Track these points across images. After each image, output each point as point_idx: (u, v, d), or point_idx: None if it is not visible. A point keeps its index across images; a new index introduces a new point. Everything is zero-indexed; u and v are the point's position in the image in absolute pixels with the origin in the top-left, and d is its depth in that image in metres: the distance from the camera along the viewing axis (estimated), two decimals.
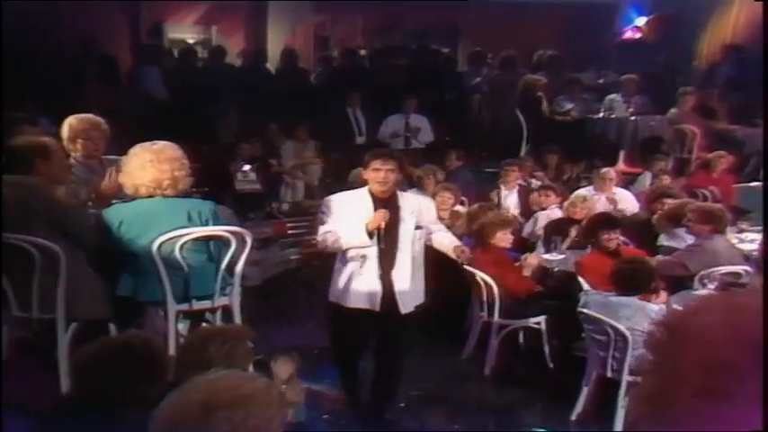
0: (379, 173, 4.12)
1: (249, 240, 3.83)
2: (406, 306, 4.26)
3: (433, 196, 6.72)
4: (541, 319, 5.35)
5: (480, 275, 5.25)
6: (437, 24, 13.45)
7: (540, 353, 5.44)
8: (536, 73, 10.55)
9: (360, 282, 4.21)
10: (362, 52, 11.94)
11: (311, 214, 8.36)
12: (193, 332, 3.65)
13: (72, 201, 3.73)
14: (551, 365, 5.39)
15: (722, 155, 8.57)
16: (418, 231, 4.29)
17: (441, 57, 11.56)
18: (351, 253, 4.20)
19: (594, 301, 4.59)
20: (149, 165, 3.57)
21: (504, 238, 5.47)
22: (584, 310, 4.47)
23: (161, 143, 3.70)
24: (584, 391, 4.63)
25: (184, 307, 3.72)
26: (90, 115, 4.42)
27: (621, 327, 4.25)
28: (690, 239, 5.68)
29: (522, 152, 9.30)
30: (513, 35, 12.52)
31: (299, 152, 8.74)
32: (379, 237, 4.14)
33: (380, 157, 4.18)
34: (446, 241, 4.39)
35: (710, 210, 5.50)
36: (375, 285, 4.19)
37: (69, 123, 4.30)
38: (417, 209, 4.32)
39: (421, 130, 9.15)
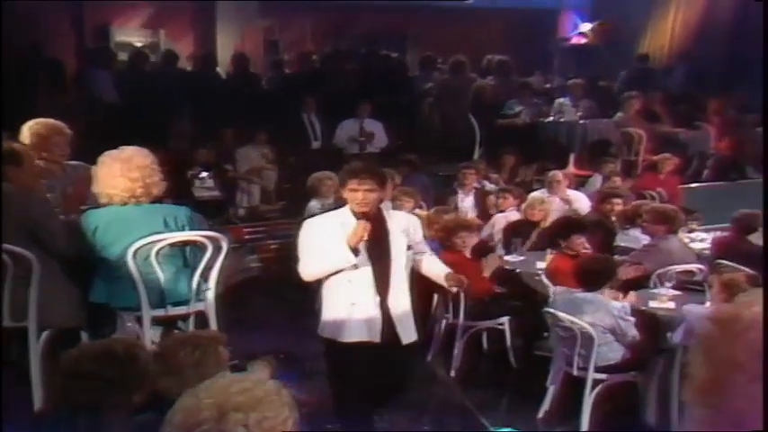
0: (356, 194, 3.66)
1: (225, 246, 3.81)
2: (406, 335, 3.83)
3: (393, 201, 6.78)
4: (505, 319, 5.45)
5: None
6: (385, 30, 13.56)
7: (503, 353, 5.54)
8: (485, 77, 10.73)
9: (355, 310, 3.73)
10: (313, 57, 11.94)
11: (268, 219, 8.34)
12: (164, 339, 3.61)
13: (43, 208, 3.64)
14: (515, 365, 5.49)
15: (668, 157, 8.87)
16: (410, 252, 3.93)
17: (392, 62, 11.63)
18: (339, 278, 3.75)
19: (561, 299, 4.72)
20: (119, 174, 3.53)
21: (466, 241, 5.56)
22: (551, 310, 4.57)
23: (129, 150, 3.65)
24: (551, 389, 4.74)
25: (160, 313, 3.67)
26: (52, 120, 4.32)
27: (587, 326, 4.37)
28: (645, 240, 5.87)
29: (476, 155, 9.42)
30: (460, 41, 12.72)
31: (255, 157, 8.68)
32: (369, 255, 3.71)
33: (357, 176, 3.67)
34: (435, 268, 4.08)
35: (664, 210, 5.70)
36: (373, 312, 3.73)
37: (32, 129, 4.20)
38: (406, 227, 3.92)
39: (375, 135, 9.20)
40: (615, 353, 4.48)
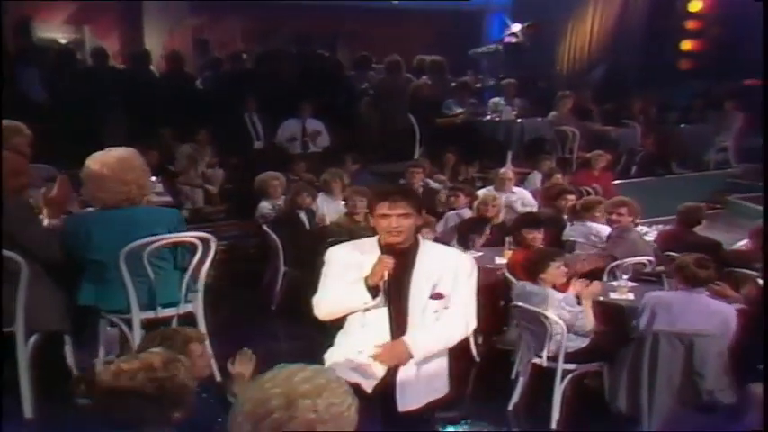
0: (387, 220, 3.13)
1: (213, 246, 3.74)
2: (406, 400, 3.17)
3: (345, 200, 6.79)
4: None
5: None
6: (315, 29, 13.53)
7: (466, 348, 5.62)
8: (419, 77, 10.86)
9: (360, 356, 3.18)
10: (243, 56, 11.79)
11: (212, 221, 8.18)
12: (146, 335, 3.51)
13: (23, 213, 3.50)
14: (478, 359, 5.59)
15: (600, 154, 9.20)
16: (439, 302, 3.22)
17: (327, 61, 11.60)
18: (353, 320, 3.26)
19: (517, 292, 4.85)
20: (113, 177, 3.43)
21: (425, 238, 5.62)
22: (520, 303, 4.70)
23: (119, 151, 3.55)
24: (520, 381, 4.85)
25: (150, 315, 3.60)
26: (10, 121, 4.14)
27: (556, 316, 4.51)
28: (596, 232, 6.11)
29: (416, 155, 9.53)
30: (389, 41, 12.84)
31: (196, 158, 8.50)
32: (387, 295, 3.17)
33: (387, 199, 3.14)
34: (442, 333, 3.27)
35: (629, 202, 5.95)
36: (376, 366, 3.16)
37: None
38: (439, 270, 3.24)
39: (318, 135, 9.18)
40: (573, 342, 4.63)
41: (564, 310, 4.57)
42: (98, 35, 11.45)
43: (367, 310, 3.20)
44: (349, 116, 10.45)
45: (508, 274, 5.31)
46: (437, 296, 3.22)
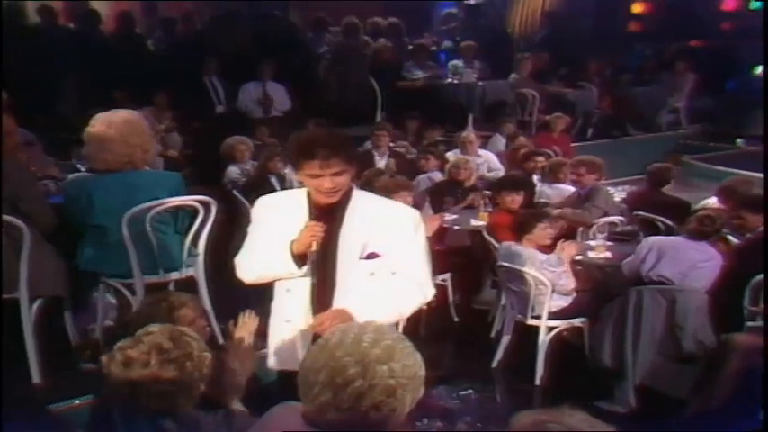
0: (319, 180, 2.71)
1: (214, 209, 3.69)
2: None
3: None
4: (447, 276, 5.60)
5: None
6: None
7: (444, 309, 5.70)
8: (376, 40, 10.77)
9: (287, 330, 2.89)
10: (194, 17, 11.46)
11: None
12: (143, 300, 3.42)
13: (24, 176, 3.39)
14: (456, 319, 5.68)
15: (560, 116, 9.28)
16: (373, 263, 2.81)
17: (281, 23, 11.38)
18: (280, 285, 2.93)
19: (503, 252, 4.92)
20: (116, 140, 3.34)
21: (404, 201, 5.62)
22: (505, 264, 4.77)
23: (123, 114, 3.45)
24: (504, 339, 4.94)
25: (153, 279, 3.56)
26: None
27: (541, 275, 4.59)
28: (566, 192, 6.23)
29: (378, 118, 9.48)
30: (340, 2, 12.65)
31: (156, 122, 8.28)
32: (314, 265, 2.81)
33: (316, 157, 2.66)
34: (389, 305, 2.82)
35: (593, 161, 6.06)
36: (306, 337, 2.79)
37: None
38: (373, 226, 2.81)
39: (278, 98, 9.05)
40: (556, 301, 4.74)
41: (547, 271, 4.66)
42: None
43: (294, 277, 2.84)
44: (309, 79, 10.31)
45: (487, 236, 5.36)
46: (371, 256, 2.79)
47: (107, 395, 2.16)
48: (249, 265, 2.89)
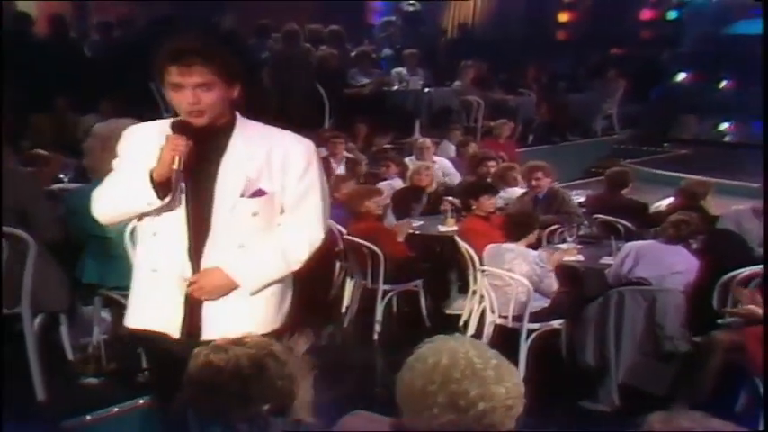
0: (182, 93, 2.31)
1: None
2: (213, 326, 2.44)
3: None
4: (419, 282, 5.64)
5: (365, 244, 5.38)
6: None
7: (413, 314, 5.74)
8: (317, 47, 10.75)
9: (155, 281, 2.48)
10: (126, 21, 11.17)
11: None
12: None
13: (33, 189, 3.25)
14: (429, 325, 5.72)
15: (504, 122, 9.52)
16: (257, 202, 2.44)
17: (221, 29, 11.20)
18: (144, 227, 2.52)
19: (486, 254, 5.01)
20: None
21: (374, 207, 5.65)
22: (486, 268, 4.86)
23: (125, 122, 3.32)
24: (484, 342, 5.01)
25: None
26: None
27: (522, 277, 4.70)
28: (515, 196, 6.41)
29: (326, 125, 9.46)
30: (274, 9, 12.57)
31: None
32: (187, 195, 2.40)
33: (178, 61, 2.28)
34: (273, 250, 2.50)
35: (544, 166, 6.27)
36: (176, 287, 2.44)
37: None
38: (260, 158, 2.43)
39: None
40: (536, 302, 4.85)
41: (537, 266, 4.77)
42: None
43: (159, 213, 2.40)
44: (252, 85, 10.17)
45: (461, 241, 5.43)
46: (257, 193, 2.42)
47: (184, 397, 2.10)
48: (105, 200, 2.46)
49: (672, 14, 15.83)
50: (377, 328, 5.51)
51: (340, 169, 7.72)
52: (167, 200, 2.35)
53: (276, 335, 2.48)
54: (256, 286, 2.48)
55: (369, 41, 12.44)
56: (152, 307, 2.48)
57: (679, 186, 5.97)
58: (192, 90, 2.29)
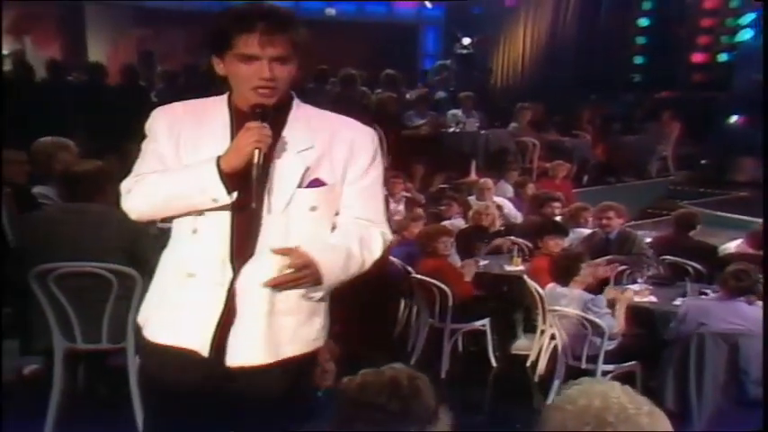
0: (256, 66, 1.97)
1: None
2: (242, 352, 2.09)
3: None
4: (486, 321, 5.64)
5: (434, 282, 5.41)
6: None
7: (483, 354, 5.73)
8: (373, 90, 10.96)
9: (189, 287, 2.10)
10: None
11: None
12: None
13: (136, 224, 3.40)
14: (495, 365, 5.70)
15: (560, 163, 9.54)
16: (316, 193, 2.10)
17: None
18: (177, 228, 2.15)
19: (547, 295, 5.01)
20: None
21: (443, 246, 5.69)
22: (557, 308, 4.84)
23: None
24: (556, 383, 4.98)
25: None
26: (56, 138, 4.04)
27: (597, 319, 4.67)
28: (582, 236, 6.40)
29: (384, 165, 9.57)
30: (322, 53, 12.88)
31: None
32: (255, 191, 1.99)
33: (255, 27, 1.94)
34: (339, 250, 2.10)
35: (616, 206, 6.27)
36: (213, 295, 2.07)
37: (36, 148, 3.89)
38: (321, 144, 2.10)
39: None
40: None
41: (591, 311, 4.74)
42: (39, 45, 10.94)
43: (201, 214, 2.05)
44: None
45: (529, 281, 5.43)
46: (315, 183, 2.09)
47: (338, 419, 2.15)
48: (146, 191, 2.07)
49: (722, 57, 15.79)
50: (444, 366, 5.50)
51: (399, 207, 7.83)
52: (234, 196, 1.99)
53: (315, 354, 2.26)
54: (333, 280, 2.07)
55: (422, 85, 12.62)
56: (189, 318, 2.08)
57: (752, 229, 5.90)
58: (269, 63, 1.96)
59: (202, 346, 2.07)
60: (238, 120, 2.06)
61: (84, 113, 8.69)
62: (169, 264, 2.17)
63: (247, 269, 2.06)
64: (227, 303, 2.07)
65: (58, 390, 3.43)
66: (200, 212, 2.05)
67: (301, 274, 2.01)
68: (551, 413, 1.80)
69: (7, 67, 9.24)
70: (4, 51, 10.49)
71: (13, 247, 3.50)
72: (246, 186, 1.99)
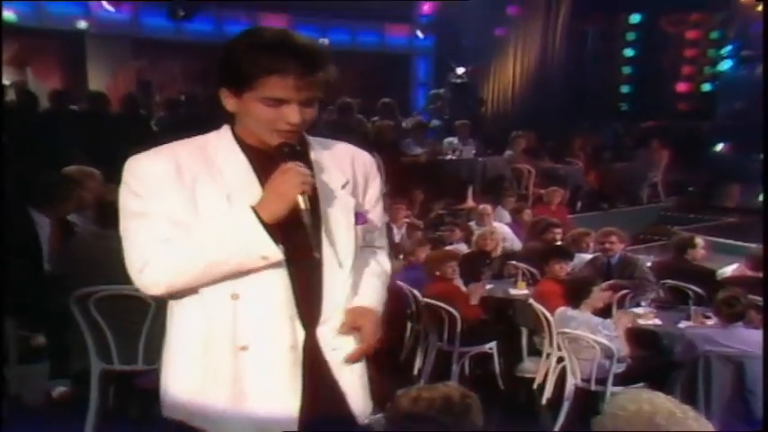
0: (284, 110, 1.75)
1: None
2: (362, 407, 1.99)
3: None
4: (493, 344, 5.76)
5: (442, 305, 5.53)
6: None
7: (490, 377, 5.83)
8: (370, 119, 11.14)
9: (244, 362, 1.81)
10: (182, 98, 11.68)
11: None
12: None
13: None
14: (503, 387, 5.81)
15: (555, 190, 9.73)
16: (362, 230, 1.96)
17: None
18: (212, 295, 1.82)
19: (557, 318, 5.15)
20: None
21: (450, 270, 5.83)
22: (567, 330, 4.97)
23: None
24: (566, 405, 5.09)
25: None
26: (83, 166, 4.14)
27: (607, 341, 4.80)
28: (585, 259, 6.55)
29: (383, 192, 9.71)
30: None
31: None
32: (313, 239, 1.78)
33: (291, 70, 1.70)
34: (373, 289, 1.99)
35: (616, 231, 6.44)
36: (285, 367, 1.82)
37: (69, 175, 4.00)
38: (350, 169, 1.97)
39: None
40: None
41: (601, 334, 4.88)
42: (40, 76, 11.06)
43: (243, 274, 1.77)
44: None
45: (536, 304, 5.57)
46: (361, 218, 1.93)
47: (389, 426, 2.25)
48: (175, 264, 1.74)
49: (706, 87, 16.19)
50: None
51: (401, 233, 7.96)
52: (281, 249, 1.73)
53: None
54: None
55: (416, 113, 12.84)
56: (250, 402, 1.81)
57: (748, 253, 6.09)
58: (298, 106, 1.75)
59: (290, 425, 1.81)
60: (256, 159, 1.82)
61: (87, 141, 8.79)
62: (206, 339, 1.84)
63: (324, 331, 1.87)
64: (307, 370, 1.83)
65: (94, 411, 3.49)
66: (236, 275, 1.76)
67: (373, 332, 1.93)
68: (604, 420, 1.93)
69: (10, 96, 9.30)
70: (6, 81, 10.59)
71: (50, 275, 3.59)
72: (296, 236, 1.75)
